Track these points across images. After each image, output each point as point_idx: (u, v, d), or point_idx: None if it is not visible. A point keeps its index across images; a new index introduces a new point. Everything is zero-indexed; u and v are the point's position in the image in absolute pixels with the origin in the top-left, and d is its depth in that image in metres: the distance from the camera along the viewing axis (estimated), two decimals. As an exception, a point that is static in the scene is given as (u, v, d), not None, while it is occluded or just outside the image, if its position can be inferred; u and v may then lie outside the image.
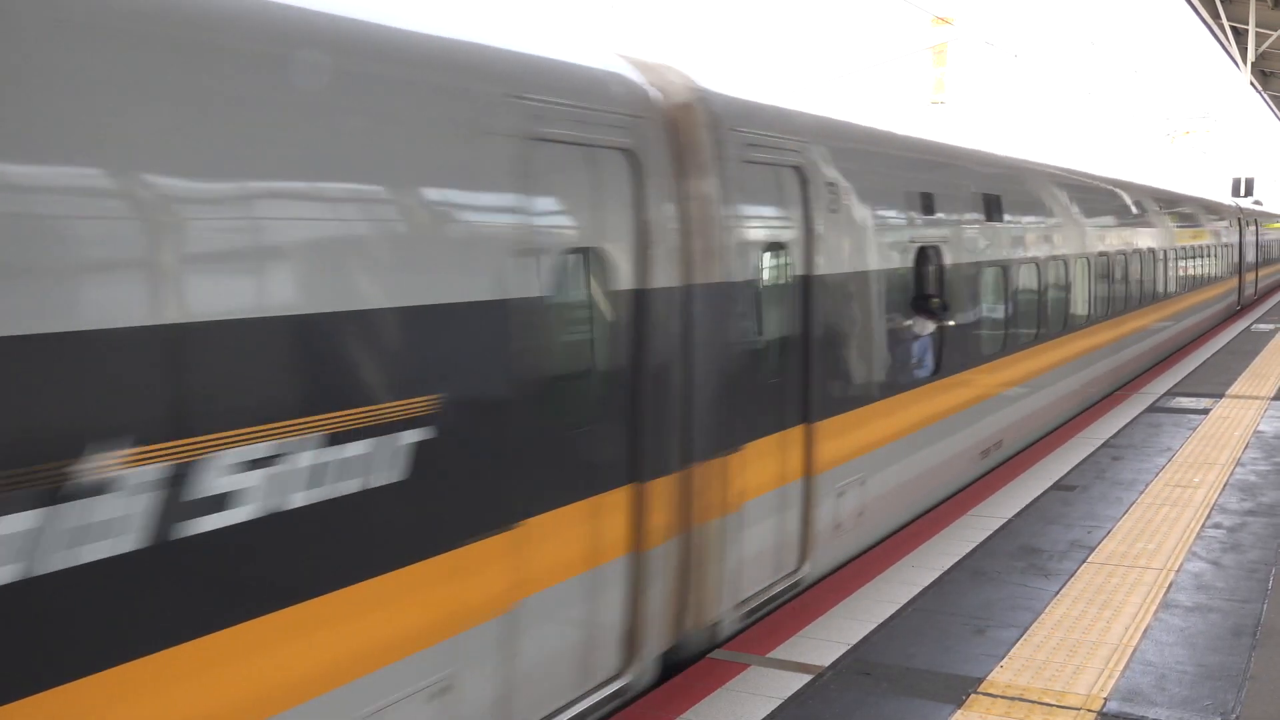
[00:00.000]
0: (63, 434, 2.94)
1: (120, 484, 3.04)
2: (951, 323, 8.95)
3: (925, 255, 8.61)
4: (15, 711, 2.87)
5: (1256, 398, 14.94)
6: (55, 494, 2.90)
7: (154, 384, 3.18)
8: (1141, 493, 9.67)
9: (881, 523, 8.01)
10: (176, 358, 3.22)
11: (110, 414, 3.04)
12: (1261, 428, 12.65)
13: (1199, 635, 6.31)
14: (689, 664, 5.84)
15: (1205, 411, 13.86)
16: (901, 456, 8.19)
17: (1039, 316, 11.64)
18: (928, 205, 8.58)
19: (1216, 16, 31.11)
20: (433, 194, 4.13)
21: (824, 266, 6.85)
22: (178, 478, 3.18)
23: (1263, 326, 25.58)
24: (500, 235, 4.40)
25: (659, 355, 5.33)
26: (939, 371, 8.90)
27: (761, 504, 6.29)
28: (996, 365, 10.36)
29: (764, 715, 5.34)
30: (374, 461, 3.80)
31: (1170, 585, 7.18)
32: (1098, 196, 15.06)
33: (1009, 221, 10.69)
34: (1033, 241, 11.49)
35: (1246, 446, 11.57)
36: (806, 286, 6.71)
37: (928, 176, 8.89)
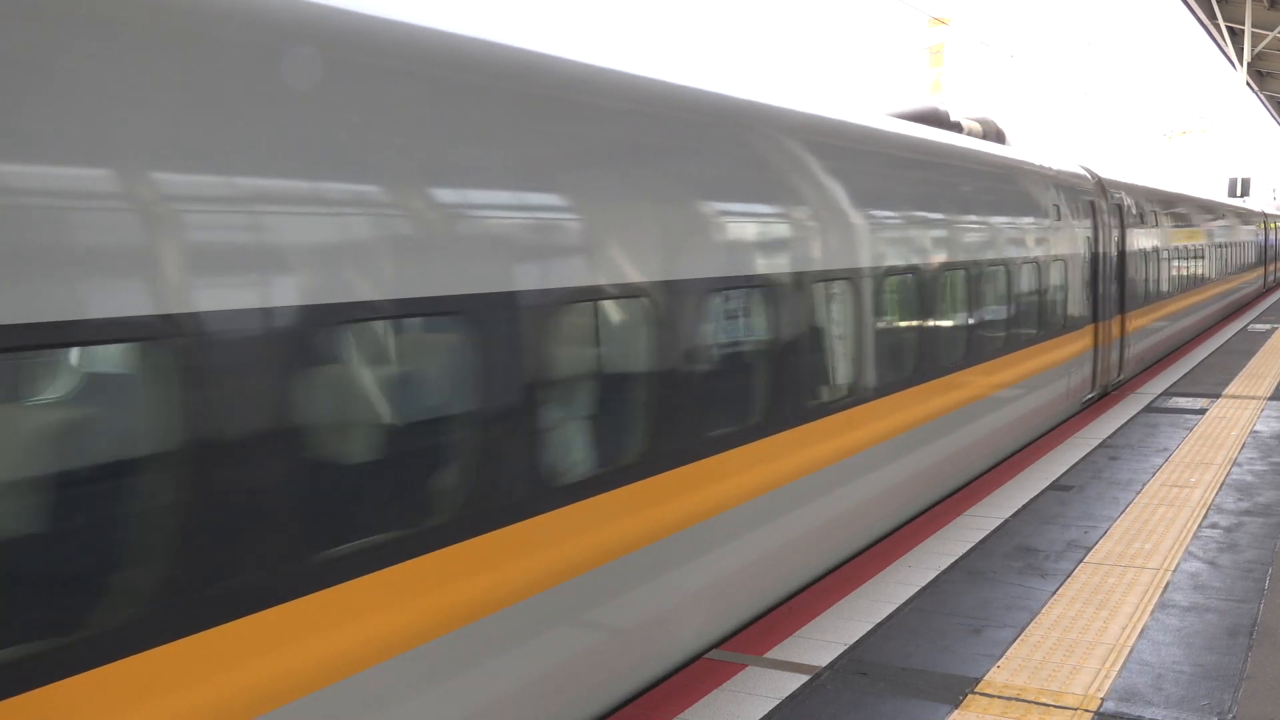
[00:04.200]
0: None
1: None
2: None
3: None
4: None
5: (1253, 398, 14.96)
6: None
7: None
8: (1138, 493, 9.68)
9: None
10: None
11: None
12: (1258, 428, 12.67)
13: (1195, 635, 6.33)
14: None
15: (1202, 411, 13.88)
16: None
17: None
18: None
19: (1213, 17, 31.16)
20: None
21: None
22: None
23: (1259, 326, 25.61)
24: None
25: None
26: None
27: None
28: None
29: (761, 715, 5.34)
30: None
31: (1167, 585, 7.19)
32: None
33: None
34: None
35: (1243, 446, 11.58)
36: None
37: None
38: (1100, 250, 14.59)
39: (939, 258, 9.00)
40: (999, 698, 5.54)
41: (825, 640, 6.25)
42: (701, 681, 5.69)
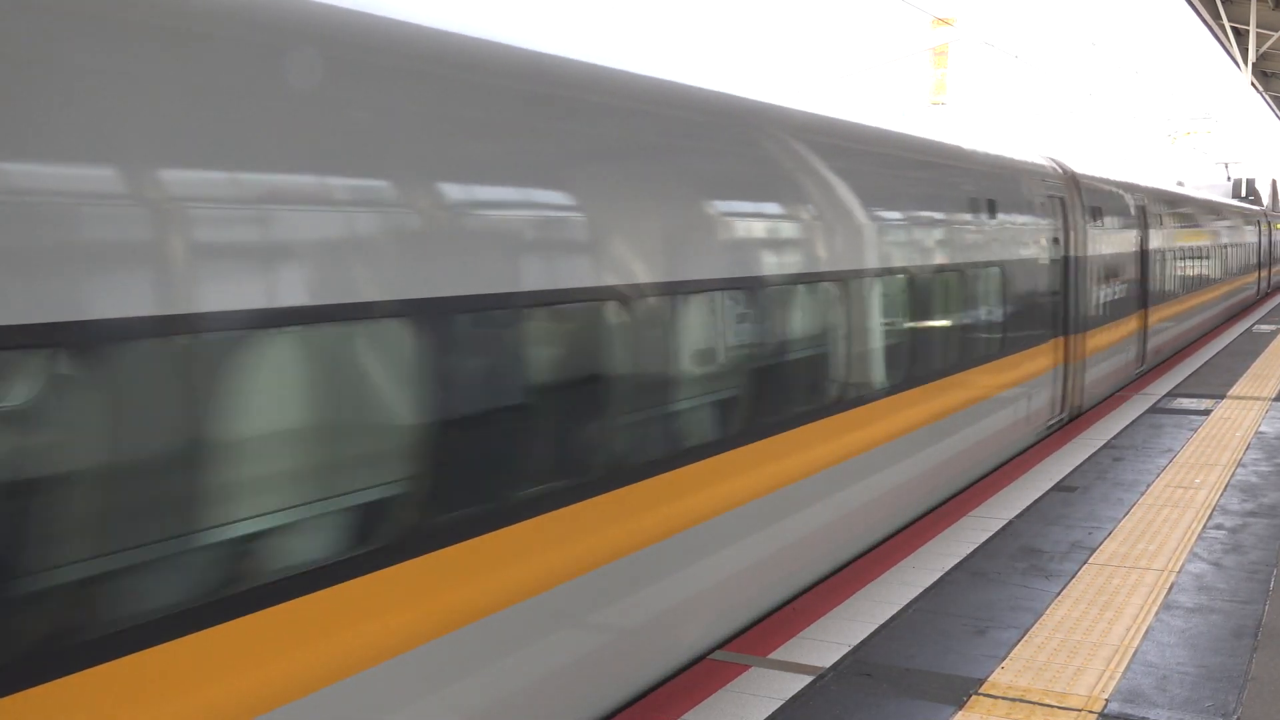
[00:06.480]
0: None
1: None
2: None
3: None
4: None
5: (1258, 399, 14.93)
6: None
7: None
8: (1143, 494, 9.66)
9: None
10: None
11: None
12: (1263, 429, 12.64)
13: (1200, 636, 6.31)
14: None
15: (1206, 413, 13.85)
16: None
17: None
18: None
19: (1217, 17, 31.13)
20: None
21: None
22: None
23: (1264, 327, 25.57)
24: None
25: None
26: None
27: None
28: None
29: (765, 716, 5.34)
30: None
31: (1171, 586, 7.18)
32: None
33: None
34: None
35: (1248, 447, 11.56)
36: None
37: None
38: None
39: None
40: (1003, 699, 5.53)
41: (829, 641, 6.24)
42: (705, 682, 5.68)
